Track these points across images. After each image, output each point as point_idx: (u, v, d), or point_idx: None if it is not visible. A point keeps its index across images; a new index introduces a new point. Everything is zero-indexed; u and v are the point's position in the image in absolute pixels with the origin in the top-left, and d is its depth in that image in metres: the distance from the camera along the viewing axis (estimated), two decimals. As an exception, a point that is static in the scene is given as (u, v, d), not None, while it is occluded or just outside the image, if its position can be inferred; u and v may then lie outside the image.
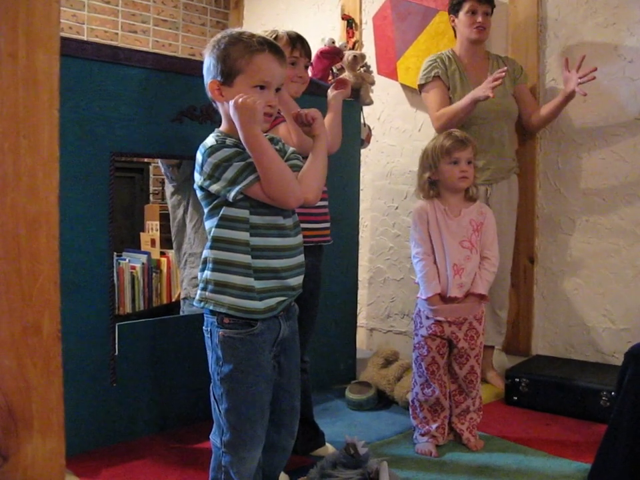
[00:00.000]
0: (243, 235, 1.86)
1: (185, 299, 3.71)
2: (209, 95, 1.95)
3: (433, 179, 2.79)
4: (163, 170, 3.72)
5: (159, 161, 3.77)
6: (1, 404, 0.71)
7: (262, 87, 1.89)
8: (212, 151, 1.84)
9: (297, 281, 2.01)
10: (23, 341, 0.73)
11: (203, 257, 1.93)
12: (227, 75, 1.89)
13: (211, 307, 1.89)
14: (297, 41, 2.56)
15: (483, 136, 3.40)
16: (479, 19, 3.47)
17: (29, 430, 0.73)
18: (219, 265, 1.87)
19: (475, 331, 2.80)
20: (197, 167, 1.89)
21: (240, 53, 1.87)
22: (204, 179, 1.86)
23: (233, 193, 1.82)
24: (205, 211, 1.95)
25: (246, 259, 1.86)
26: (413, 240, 2.82)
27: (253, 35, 1.90)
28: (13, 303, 0.72)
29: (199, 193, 1.93)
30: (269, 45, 1.90)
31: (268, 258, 1.89)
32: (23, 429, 0.73)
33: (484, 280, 2.79)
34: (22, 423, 0.73)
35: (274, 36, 2.52)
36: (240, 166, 1.82)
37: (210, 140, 1.90)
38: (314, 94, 3.07)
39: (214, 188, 1.84)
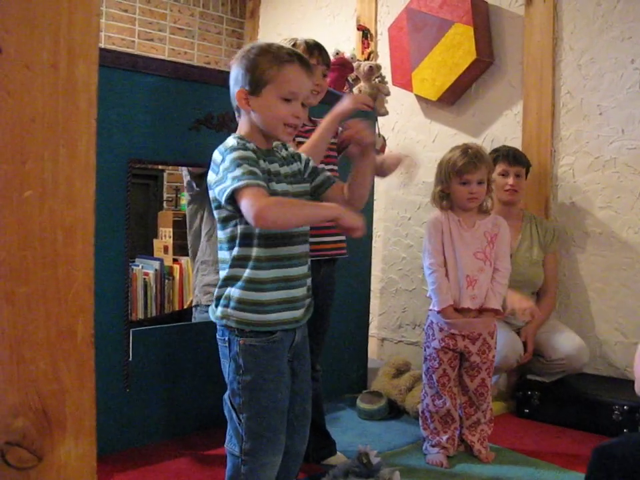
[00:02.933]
0: (255, 250, 1.87)
1: (196, 306, 3.72)
2: (235, 103, 1.94)
3: (445, 192, 2.80)
4: (185, 179, 3.74)
5: (182, 169, 3.78)
6: (37, 406, 0.73)
7: (288, 99, 1.89)
8: (235, 148, 1.83)
9: (309, 285, 2.02)
10: (58, 345, 0.74)
11: (225, 275, 1.93)
12: (255, 85, 1.88)
13: (233, 325, 1.90)
14: (315, 49, 2.57)
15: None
16: (510, 181, 3.43)
17: (62, 432, 0.75)
18: (242, 283, 1.89)
19: (487, 345, 2.80)
20: (214, 166, 1.88)
21: (269, 63, 1.87)
22: (218, 177, 1.85)
23: (225, 192, 1.79)
24: (217, 217, 1.96)
25: (264, 273, 1.88)
26: (427, 251, 2.81)
27: (282, 47, 1.92)
28: (50, 307, 0.73)
29: (212, 193, 1.92)
30: (298, 57, 1.91)
31: (285, 267, 1.91)
32: (57, 431, 0.75)
33: (497, 294, 2.79)
34: (56, 425, 0.74)
35: (292, 43, 2.54)
36: (246, 168, 1.79)
37: (231, 140, 1.89)
38: (328, 103, 3.09)
39: (216, 190, 1.85)
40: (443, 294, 2.75)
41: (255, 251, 1.86)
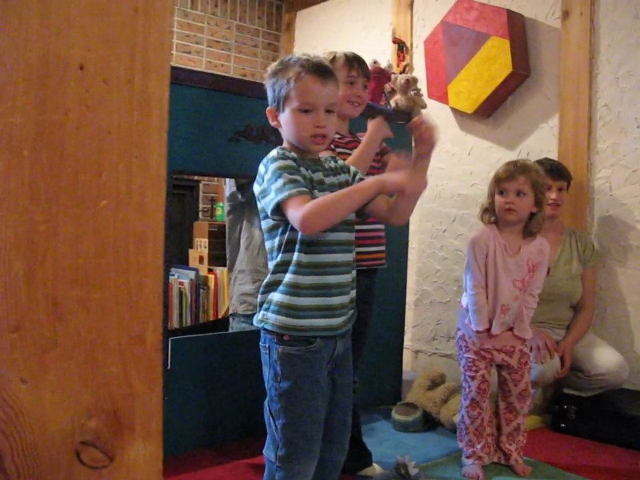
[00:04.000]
0: (297, 255, 1.90)
1: (233, 315, 3.75)
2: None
3: (491, 206, 2.78)
4: (229, 190, 3.77)
5: (226, 180, 3.82)
6: (109, 408, 0.75)
7: (307, 110, 1.91)
8: (276, 159, 1.88)
9: (352, 295, 2.04)
10: (129, 350, 0.77)
11: (267, 280, 1.96)
12: (278, 102, 1.95)
13: (270, 328, 1.93)
14: (354, 61, 2.59)
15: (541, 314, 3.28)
16: (553, 195, 3.41)
17: (132, 434, 0.77)
18: (283, 287, 1.92)
19: (527, 356, 2.81)
20: (258, 178, 1.93)
21: (283, 79, 1.92)
22: (262, 188, 1.90)
23: (272, 205, 1.84)
24: (264, 228, 1.99)
25: (303, 279, 1.90)
26: (470, 270, 2.78)
27: (298, 60, 1.93)
28: (121, 313, 0.76)
29: (260, 204, 1.96)
30: (310, 67, 1.91)
31: (324, 274, 1.92)
32: (127, 433, 0.77)
33: (528, 320, 2.81)
34: (126, 427, 0.77)
35: (332, 57, 2.56)
36: (287, 178, 1.83)
37: (273, 152, 1.94)
38: (365, 115, 3.11)
39: (264, 203, 1.89)
40: (483, 317, 2.75)
41: (296, 256, 1.89)
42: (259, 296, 1.97)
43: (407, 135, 3.60)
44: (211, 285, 4.71)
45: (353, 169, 2.13)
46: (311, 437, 1.93)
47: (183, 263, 4.93)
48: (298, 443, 1.92)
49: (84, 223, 0.73)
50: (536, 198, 2.71)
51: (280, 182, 1.83)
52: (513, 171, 2.71)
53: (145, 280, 0.77)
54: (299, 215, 1.78)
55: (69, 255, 0.72)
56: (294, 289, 1.89)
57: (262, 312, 1.95)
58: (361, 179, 2.09)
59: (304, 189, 1.83)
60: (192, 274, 4.62)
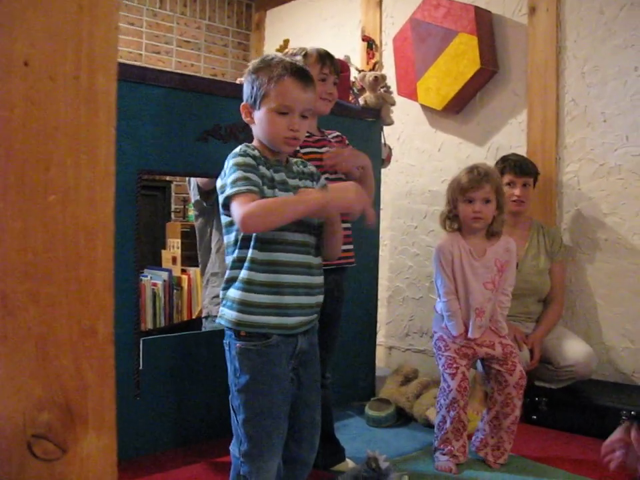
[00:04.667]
0: (251, 252, 1.91)
1: (206, 317, 3.75)
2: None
3: (453, 213, 2.81)
4: (193, 197, 3.76)
5: (190, 188, 3.81)
6: (61, 401, 0.76)
7: (284, 112, 1.94)
8: (236, 154, 1.91)
9: (314, 300, 2.04)
10: (81, 343, 0.77)
11: (226, 277, 1.98)
12: (255, 99, 1.96)
13: (226, 324, 1.95)
14: (326, 58, 2.61)
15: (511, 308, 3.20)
16: (517, 191, 3.44)
17: (85, 426, 0.78)
18: (238, 283, 1.93)
19: (510, 346, 2.83)
20: (222, 173, 1.95)
21: (265, 78, 1.93)
22: (222, 183, 1.91)
23: (222, 199, 1.88)
24: (222, 223, 2.01)
25: (256, 275, 1.91)
26: (440, 278, 2.82)
27: (281, 61, 1.95)
28: (72, 307, 0.76)
29: (220, 199, 1.97)
30: (293, 71, 1.94)
31: (279, 273, 1.93)
32: (80, 425, 0.77)
33: (503, 319, 2.85)
34: (79, 420, 0.77)
35: (303, 53, 2.57)
36: (241, 174, 1.85)
37: (237, 148, 1.96)
38: (334, 113, 3.13)
39: (221, 198, 1.91)
40: (458, 322, 2.79)
41: (250, 253, 1.90)
42: (221, 292, 1.99)
43: (376, 135, 3.64)
44: (185, 285, 4.70)
45: (323, 180, 2.16)
46: (271, 431, 1.94)
47: (156, 263, 4.92)
48: (259, 438, 1.93)
49: (32, 218, 0.73)
50: (497, 202, 2.77)
51: (233, 177, 1.86)
52: (479, 180, 2.73)
53: (95, 273, 0.78)
54: (240, 212, 1.81)
55: (17, 250, 0.73)
56: (248, 285, 1.90)
57: (221, 308, 1.98)
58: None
59: (253, 187, 1.84)
60: (165, 275, 4.61)
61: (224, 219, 1.97)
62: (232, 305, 1.92)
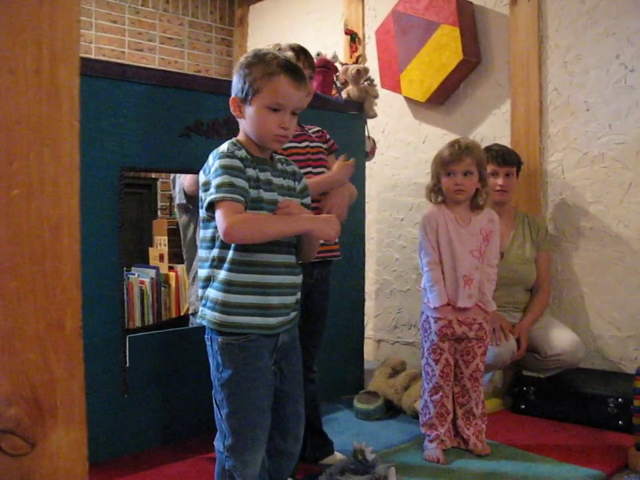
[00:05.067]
0: (232, 253, 1.91)
1: (193, 313, 3.75)
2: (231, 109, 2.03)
3: (437, 187, 2.84)
4: (179, 201, 3.75)
5: (176, 191, 3.80)
6: (28, 395, 0.75)
7: (275, 109, 1.94)
8: (223, 155, 1.90)
9: (295, 298, 2.05)
10: (48, 336, 0.77)
11: (204, 274, 1.97)
12: (246, 94, 1.96)
13: (208, 325, 1.95)
14: (300, 53, 2.62)
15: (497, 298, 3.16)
16: (500, 181, 3.44)
17: (54, 420, 0.78)
18: (217, 284, 1.93)
19: (484, 330, 2.85)
20: (205, 167, 1.94)
21: (259, 73, 1.93)
22: (206, 180, 1.91)
23: (207, 200, 1.87)
24: (201, 217, 2.01)
25: (240, 276, 1.91)
26: (423, 248, 2.84)
27: (275, 57, 1.95)
28: (38, 301, 0.76)
29: (201, 193, 1.97)
30: (287, 69, 1.94)
31: (262, 273, 1.94)
32: (49, 419, 0.77)
33: (490, 293, 2.85)
34: (47, 414, 0.77)
35: (277, 48, 2.58)
36: (227, 179, 1.85)
37: (224, 146, 1.96)
38: (317, 108, 3.13)
39: (204, 195, 1.91)
40: (441, 292, 2.79)
41: (231, 254, 1.90)
42: (199, 290, 1.99)
43: (360, 128, 3.64)
44: (172, 282, 4.69)
45: (304, 180, 2.16)
46: (255, 425, 1.95)
47: (143, 261, 4.91)
48: (243, 432, 1.94)
49: (-4, 212, 0.73)
50: (480, 175, 2.80)
51: (219, 180, 1.85)
52: (459, 153, 2.76)
53: (61, 267, 0.77)
54: (226, 223, 1.82)
55: (-19, 245, 0.73)
56: (228, 286, 1.91)
57: (201, 308, 1.98)
58: (306, 195, 2.15)
59: (239, 197, 1.85)
60: (152, 272, 4.60)
61: (203, 214, 1.96)
62: (213, 306, 1.92)
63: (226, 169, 1.86)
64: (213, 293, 1.93)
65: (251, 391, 1.94)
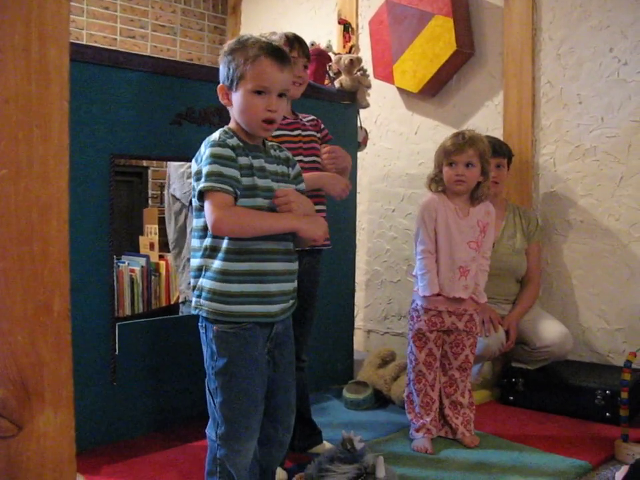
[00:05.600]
0: (226, 242, 1.90)
1: (183, 302, 3.75)
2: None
3: (439, 177, 2.83)
4: (173, 185, 3.75)
5: (171, 192, 3.79)
6: (15, 377, 0.75)
7: (260, 92, 1.92)
8: (215, 144, 1.89)
9: (293, 285, 2.04)
10: (35, 318, 0.76)
11: (197, 264, 1.96)
12: (232, 81, 1.95)
13: (205, 315, 1.94)
14: (295, 41, 2.61)
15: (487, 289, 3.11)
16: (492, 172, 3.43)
17: (41, 402, 0.77)
18: (211, 273, 1.92)
19: (473, 322, 2.86)
20: (197, 156, 1.93)
21: (242, 59, 1.92)
22: (198, 169, 1.90)
23: (197, 189, 1.87)
24: (193, 206, 1.99)
25: (236, 265, 1.90)
26: (420, 236, 2.83)
27: (257, 41, 1.93)
28: (26, 282, 0.75)
29: (194, 182, 1.95)
30: (269, 51, 1.92)
31: (259, 261, 1.92)
32: (36, 402, 0.77)
33: (483, 284, 2.87)
34: (35, 396, 0.77)
35: (272, 37, 2.57)
36: (216, 168, 1.84)
37: (216, 134, 1.95)
38: (309, 97, 3.12)
39: (196, 184, 1.90)
40: (432, 281, 2.79)
41: (225, 243, 1.89)
42: (192, 280, 1.98)
43: (352, 118, 3.63)
44: (162, 271, 4.70)
45: (298, 167, 2.16)
46: (248, 414, 1.94)
47: (134, 250, 4.91)
48: (236, 421, 1.93)
49: (-17, 192, 0.73)
50: (482, 168, 2.79)
51: (209, 169, 1.84)
52: (462, 144, 2.75)
53: (49, 249, 0.77)
54: (214, 215, 1.82)
55: (-32, 225, 0.72)
56: (224, 276, 1.89)
57: (195, 299, 1.96)
58: (300, 181, 2.14)
59: (229, 187, 1.84)
60: (143, 261, 4.60)
61: (195, 203, 1.95)
62: (211, 297, 1.91)
63: (216, 158, 1.85)
64: (208, 283, 1.91)
65: (246, 380, 1.93)
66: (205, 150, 1.89)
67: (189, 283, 3.61)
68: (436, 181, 2.85)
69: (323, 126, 2.79)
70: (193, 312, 1.98)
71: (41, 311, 0.77)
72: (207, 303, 1.92)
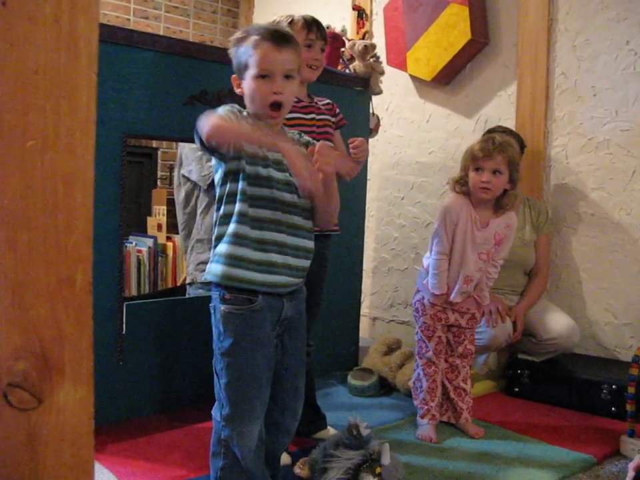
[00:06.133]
0: (238, 206, 1.90)
1: (190, 283, 3.75)
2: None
3: (465, 180, 2.77)
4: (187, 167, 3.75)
5: (187, 166, 3.78)
6: (37, 350, 0.75)
7: (264, 76, 1.93)
8: (224, 106, 1.95)
9: (301, 262, 2.03)
10: (58, 292, 0.76)
11: (214, 235, 1.97)
12: (239, 71, 2.00)
13: (214, 279, 1.94)
14: (313, 24, 2.59)
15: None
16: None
17: (61, 376, 0.77)
18: (226, 237, 1.92)
19: (475, 320, 2.89)
20: None
21: (245, 48, 1.96)
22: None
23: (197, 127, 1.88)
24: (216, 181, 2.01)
25: (245, 230, 1.89)
26: (438, 237, 2.79)
27: (259, 28, 1.98)
28: (50, 256, 0.75)
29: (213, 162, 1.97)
30: (267, 34, 1.94)
31: (266, 230, 1.92)
32: (56, 375, 0.77)
33: (487, 289, 2.88)
34: (55, 370, 0.76)
35: (290, 20, 2.56)
36: (221, 110, 1.90)
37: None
38: (323, 81, 3.11)
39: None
40: (442, 283, 2.79)
41: (238, 207, 1.90)
42: (212, 252, 1.98)
43: (365, 104, 3.62)
44: (170, 252, 4.70)
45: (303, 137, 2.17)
46: (252, 396, 1.94)
47: (142, 230, 4.91)
48: (240, 403, 1.93)
49: (10, 163, 0.72)
50: (511, 176, 2.71)
51: (214, 111, 1.89)
52: (491, 150, 2.67)
53: (74, 222, 0.77)
54: (204, 122, 1.83)
55: (-7, 196, 0.71)
56: (236, 239, 1.89)
57: (208, 265, 1.98)
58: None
59: (225, 116, 1.88)
60: (150, 242, 4.60)
61: (217, 176, 1.97)
62: (219, 259, 1.91)
63: (222, 109, 1.91)
64: (221, 247, 1.92)
65: (250, 361, 1.93)
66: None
67: (197, 264, 3.64)
68: (460, 184, 2.78)
69: (338, 110, 2.77)
70: (204, 277, 1.98)
71: (63, 284, 0.76)
72: (215, 266, 1.93)
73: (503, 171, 2.68)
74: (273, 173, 1.93)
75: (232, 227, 1.90)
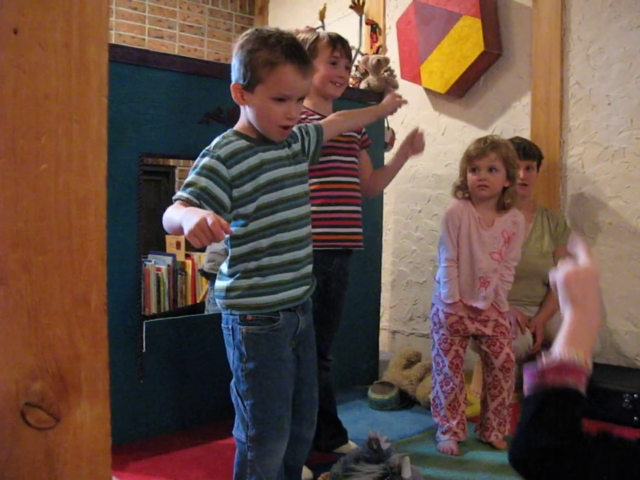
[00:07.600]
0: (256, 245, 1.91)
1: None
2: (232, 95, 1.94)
3: (464, 184, 2.81)
4: None
5: None
6: (54, 370, 0.76)
7: (281, 99, 1.85)
8: (207, 153, 1.87)
9: (308, 269, 2.04)
10: (73, 312, 0.77)
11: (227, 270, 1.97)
12: (249, 81, 1.85)
13: (236, 312, 1.94)
14: (338, 42, 2.57)
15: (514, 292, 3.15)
16: (520, 174, 3.29)
17: (78, 395, 0.78)
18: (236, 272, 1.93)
19: (503, 327, 2.84)
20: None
21: (262, 61, 1.81)
22: None
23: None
24: None
25: (260, 263, 1.91)
26: (444, 243, 2.82)
27: (279, 41, 1.82)
28: (64, 276, 0.77)
29: None
30: (293, 56, 1.83)
31: (281, 254, 1.93)
32: (73, 394, 0.78)
33: (505, 294, 2.85)
34: (72, 389, 0.78)
35: (315, 37, 2.55)
36: (196, 179, 1.81)
37: (215, 140, 1.93)
38: (344, 98, 3.12)
39: None
40: (453, 290, 2.79)
41: (250, 246, 1.92)
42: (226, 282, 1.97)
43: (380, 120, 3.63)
44: (189, 270, 4.71)
45: (309, 125, 2.16)
46: (281, 414, 1.94)
47: (160, 248, 4.93)
48: (268, 422, 1.92)
49: (24, 186, 0.73)
50: (508, 172, 2.76)
51: (188, 179, 1.82)
52: (484, 148, 2.74)
53: (87, 243, 0.78)
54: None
55: (9, 218, 0.73)
56: (251, 272, 1.91)
57: (221, 300, 1.97)
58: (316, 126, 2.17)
59: (193, 199, 1.76)
60: (169, 259, 4.62)
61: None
62: (234, 294, 1.92)
63: (201, 169, 1.82)
64: (236, 282, 1.93)
65: (277, 381, 1.93)
66: (200, 156, 1.88)
67: (211, 252, 3.68)
68: (461, 189, 2.83)
69: (364, 130, 2.77)
70: (223, 311, 1.97)
71: (79, 304, 0.78)
72: (230, 301, 1.93)
73: (498, 167, 2.74)
74: (288, 192, 1.94)
75: (247, 265, 1.92)
